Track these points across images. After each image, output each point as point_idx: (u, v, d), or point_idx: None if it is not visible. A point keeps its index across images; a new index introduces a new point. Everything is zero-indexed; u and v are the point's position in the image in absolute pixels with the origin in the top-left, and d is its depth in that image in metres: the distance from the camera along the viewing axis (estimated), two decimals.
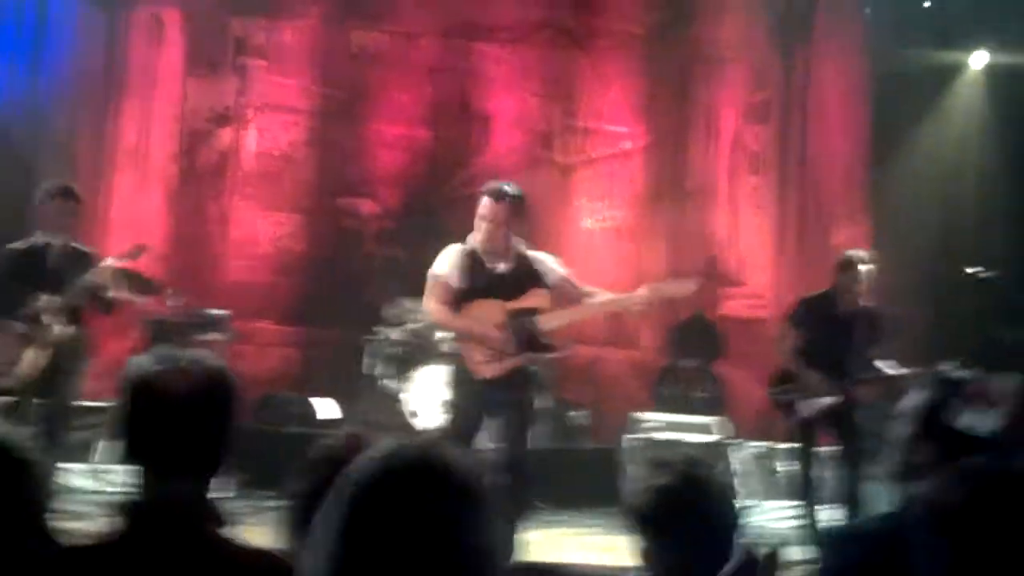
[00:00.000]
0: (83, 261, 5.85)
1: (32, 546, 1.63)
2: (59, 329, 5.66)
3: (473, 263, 5.07)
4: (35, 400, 5.64)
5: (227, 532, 1.92)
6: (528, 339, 4.94)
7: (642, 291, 5.08)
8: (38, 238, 5.85)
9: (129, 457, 1.93)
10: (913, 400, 2.52)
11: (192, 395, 1.88)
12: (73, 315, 5.78)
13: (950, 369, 2.66)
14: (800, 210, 9.44)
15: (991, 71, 8.70)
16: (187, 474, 1.89)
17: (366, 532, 1.32)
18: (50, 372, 5.66)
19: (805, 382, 6.01)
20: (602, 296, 5.18)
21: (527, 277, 5.06)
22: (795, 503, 6.13)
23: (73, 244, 5.91)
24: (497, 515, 1.40)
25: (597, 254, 9.59)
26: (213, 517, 1.91)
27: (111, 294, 5.86)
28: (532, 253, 5.18)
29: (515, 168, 9.43)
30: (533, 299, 4.99)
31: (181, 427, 1.88)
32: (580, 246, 9.59)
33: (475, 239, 5.08)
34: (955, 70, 8.81)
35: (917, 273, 8.46)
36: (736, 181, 9.69)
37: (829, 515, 5.92)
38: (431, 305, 5.15)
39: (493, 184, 5.19)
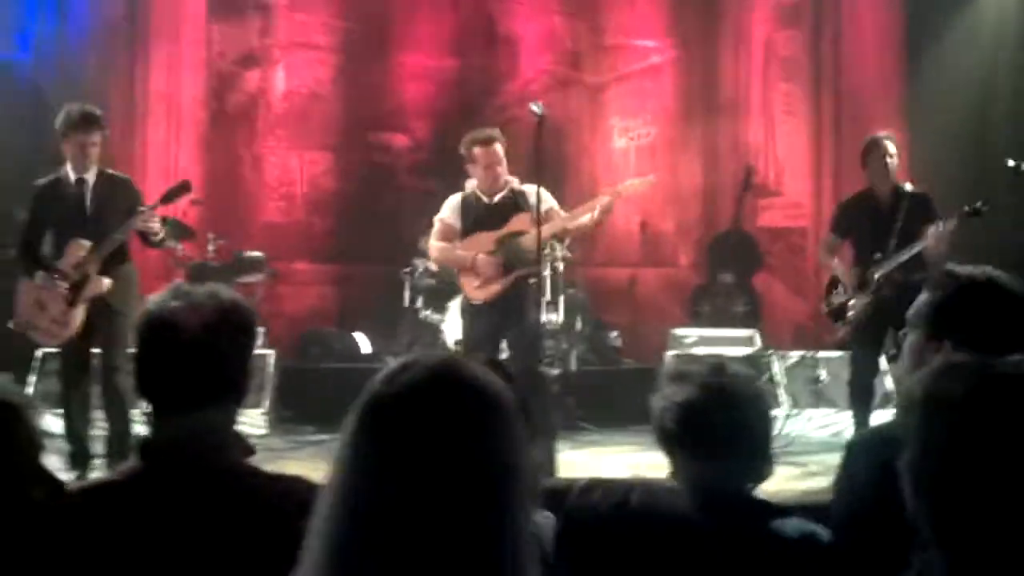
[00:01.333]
0: (123, 194, 5.40)
1: (34, 492, 1.66)
2: (101, 282, 5.29)
3: (469, 203, 5.64)
4: (86, 353, 5.40)
5: (256, 463, 1.92)
6: (517, 257, 5.38)
7: (603, 195, 5.48)
8: (67, 173, 5.36)
9: (144, 394, 1.93)
10: (921, 302, 2.45)
11: (204, 328, 1.86)
12: (118, 255, 5.40)
13: (957, 266, 2.55)
14: (835, 116, 9.24)
15: None
16: (204, 407, 1.88)
17: (388, 444, 1.30)
18: (99, 322, 5.31)
19: (848, 284, 5.81)
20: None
21: (515, 206, 5.53)
22: (850, 411, 6.02)
23: (109, 172, 5.45)
24: (524, 429, 1.38)
25: (632, 171, 9.52)
26: (238, 448, 1.92)
27: (159, 236, 5.42)
28: (523, 187, 5.60)
29: (545, 91, 9.36)
30: (516, 224, 5.44)
31: (193, 360, 1.87)
32: (615, 165, 9.53)
33: (473, 185, 5.64)
34: None
35: (954, 174, 8.29)
36: (769, 89, 9.52)
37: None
38: (430, 244, 5.78)
39: (476, 133, 5.60)
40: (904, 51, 8.85)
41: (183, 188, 5.57)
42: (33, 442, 1.63)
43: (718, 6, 9.58)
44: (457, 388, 1.33)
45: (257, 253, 7.96)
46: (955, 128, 8.34)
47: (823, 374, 7.01)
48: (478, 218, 5.59)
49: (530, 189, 5.50)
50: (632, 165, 9.53)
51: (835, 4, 9.28)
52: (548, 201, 5.50)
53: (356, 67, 9.33)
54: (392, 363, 1.38)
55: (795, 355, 7.22)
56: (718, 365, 2.17)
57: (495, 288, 5.43)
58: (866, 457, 2.33)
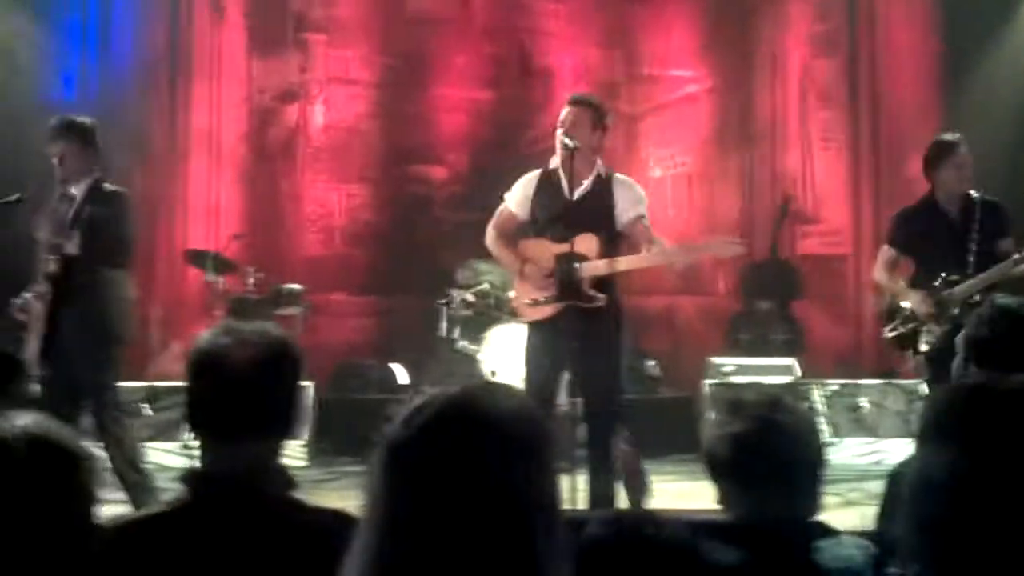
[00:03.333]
0: (106, 205, 4.79)
1: (90, 545, 1.67)
2: (31, 301, 4.71)
3: (548, 188, 4.81)
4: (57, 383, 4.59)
5: (297, 495, 1.98)
6: (570, 285, 4.64)
7: (687, 247, 4.82)
8: (64, 189, 4.88)
9: (193, 427, 2.01)
10: (966, 329, 2.47)
11: (252, 364, 1.94)
12: (75, 279, 4.71)
13: (1002, 297, 2.60)
14: (873, 142, 9.22)
15: None
16: (251, 441, 1.94)
17: (406, 481, 1.31)
18: (73, 358, 4.70)
19: (916, 307, 5.08)
20: (657, 248, 4.70)
21: (601, 207, 4.75)
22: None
23: (103, 185, 4.92)
24: (547, 462, 1.37)
25: (669, 202, 9.55)
26: (281, 481, 1.97)
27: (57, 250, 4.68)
28: (616, 178, 4.86)
29: None
30: (581, 244, 4.65)
31: (241, 395, 1.94)
32: (652, 195, 9.45)
33: (556, 159, 4.79)
34: None
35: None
36: (806, 117, 9.51)
37: None
38: (489, 229, 4.98)
39: (573, 94, 4.97)
40: (941, 76, 8.81)
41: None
42: (89, 494, 1.66)
43: (753, 35, 9.60)
44: (470, 426, 1.33)
45: (296, 286, 8.04)
46: (996, 154, 8.26)
47: (863, 402, 6.94)
48: (553, 215, 4.76)
49: (626, 187, 4.85)
50: (669, 195, 9.55)
51: (870, 30, 9.27)
52: (637, 209, 4.80)
53: (394, 101, 9.45)
54: (409, 402, 1.39)
55: (835, 383, 7.15)
56: (774, 399, 2.15)
57: (546, 311, 4.72)
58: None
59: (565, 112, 4.77)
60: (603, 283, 4.71)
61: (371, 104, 9.47)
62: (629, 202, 4.80)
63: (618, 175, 4.91)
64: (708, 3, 9.63)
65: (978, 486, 1.33)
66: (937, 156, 5.18)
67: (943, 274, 5.05)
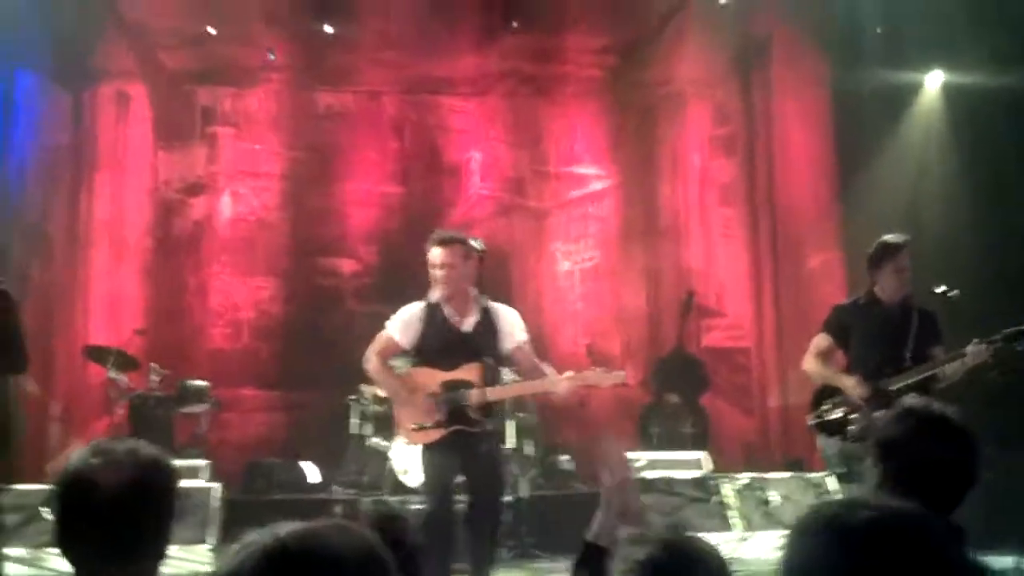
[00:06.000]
0: None
1: None
2: None
3: (434, 320, 5.02)
4: None
5: None
6: (458, 411, 4.93)
7: (568, 377, 4.95)
8: None
9: (63, 551, 1.94)
10: (876, 428, 2.57)
11: (123, 486, 1.90)
12: None
13: (911, 398, 2.73)
14: (772, 239, 9.48)
15: (947, 90, 8.82)
16: (123, 565, 1.89)
17: None
18: None
19: (851, 389, 5.14)
20: (539, 375, 5.07)
21: (489, 338, 5.03)
22: None
23: None
24: None
25: (576, 296, 9.67)
26: None
27: None
28: (496, 308, 5.13)
29: (489, 217, 9.55)
30: (466, 372, 4.95)
31: (113, 519, 1.89)
32: (559, 289, 9.67)
33: (436, 294, 5.02)
34: (912, 91, 8.92)
35: None
36: (707, 214, 9.79)
37: None
38: (370, 354, 5.10)
39: (437, 233, 5.14)
40: (836, 175, 9.15)
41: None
42: None
43: (655, 135, 9.90)
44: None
45: (201, 382, 7.86)
46: None
47: (773, 496, 7.03)
48: (442, 347, 4.99)
49: (506, 315, 5.11)
50: (577, 288, 9.67)
51: (767, 132, 9.61)
52: (517, 336, 5.08)
53: (302, 194, 9.45)
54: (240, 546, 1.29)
55: (744, 477, 7.22)
56: (672, 525, 2.18)
57: (432, 435, 4.96)
58: (804, 545, 2.36)
59: (437, 253, 4.97)
60: (487, 407, 5.01)
61: (279, 197, 9.45)
62: (510, 330, 5.10)
63: (495, 304, 5.16)
64: (611, 103, 9.90)
65: None
66: (880, 257, 5.26)
67: (879, 366, 5.11)
